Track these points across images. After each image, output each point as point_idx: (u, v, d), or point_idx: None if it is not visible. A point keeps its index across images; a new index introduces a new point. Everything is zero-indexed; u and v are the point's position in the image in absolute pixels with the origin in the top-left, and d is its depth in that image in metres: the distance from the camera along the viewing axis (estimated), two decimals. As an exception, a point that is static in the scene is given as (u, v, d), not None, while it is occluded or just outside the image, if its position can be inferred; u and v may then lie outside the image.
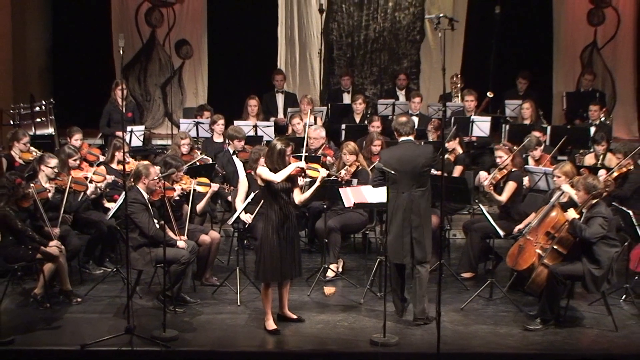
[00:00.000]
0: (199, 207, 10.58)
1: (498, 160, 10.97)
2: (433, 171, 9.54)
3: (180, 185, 10.26)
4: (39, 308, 9.62)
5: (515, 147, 11.10)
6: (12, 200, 9.56)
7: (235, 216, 10.20)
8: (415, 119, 13.81)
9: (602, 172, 11.16)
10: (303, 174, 9.11)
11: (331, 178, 10.22)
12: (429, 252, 9.12)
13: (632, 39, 17.21)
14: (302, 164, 9.02)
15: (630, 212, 9.88)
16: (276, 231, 8.92)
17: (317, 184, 9.28)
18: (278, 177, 8.81)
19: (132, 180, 9.82)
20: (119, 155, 11.29)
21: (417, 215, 9.05)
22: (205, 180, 10.65)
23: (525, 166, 11.59)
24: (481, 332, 9.19)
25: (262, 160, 9.36)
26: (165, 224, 9.67)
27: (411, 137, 9.27)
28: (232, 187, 11.06)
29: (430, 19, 8.95)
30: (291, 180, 9.00)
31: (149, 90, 17.56)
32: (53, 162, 10.41)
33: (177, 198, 10.25)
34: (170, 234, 9.75)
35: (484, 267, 10.89)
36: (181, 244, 9.70)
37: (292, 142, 9.19)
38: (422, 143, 10.39)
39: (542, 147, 12.19)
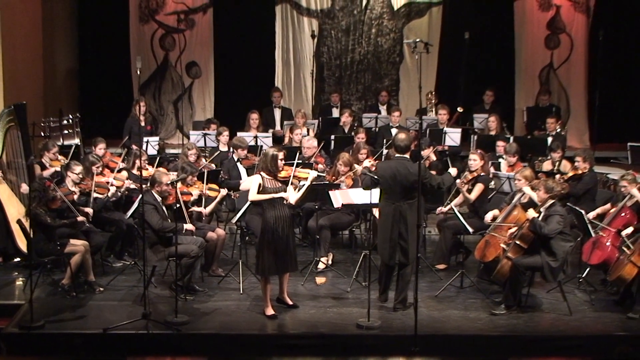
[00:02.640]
0: (208, 209, 10.55)
1: (471, 162, 10.94)
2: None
3: (194, 189, 10.27)
4: (66, 296, 9.60)
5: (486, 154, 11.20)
6: (42, 201, 9.56)
7: (238, 215, 10.17)
8: (395, 131, 13.81)
9: (557, 177, 11.17)
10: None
11: (320, 180, 10.27)
12: (412, 257, 9.07)
13: (583, 61, 17.24)
14: (290, 195, 9.09)
15: (583, 212, 9.90)
16: (273, 230, 8.91)
17: (308, 184, 9.33)
18: (252, 196, 8.96)
19: (148, 185, 9.84)
20: (138, 162, 11.27)
21: (405, 225, 9.02)
22: (215, 186, 10.66)
23: (493, 171, 11.58)
24: (453, 316, 9.19)
25: None
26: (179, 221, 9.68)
27: (406, 155, 9.20)
28: (237, 195, 11.01)
29: (408, 44, 9.02)
30: (282, 183, 9.04)
31: (163, 105, 17.51)
32: (78, 168, 10.40)
33: (192, 201, 10.27)
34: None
35: (456, 260, 10.89)
36: (188, 226, 9.76)
37: (285, 150, 9.21)
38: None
39: (519, 155, 12.07)
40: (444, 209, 10.76)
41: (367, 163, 11.31)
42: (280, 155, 9.11)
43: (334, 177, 11.12)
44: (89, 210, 10.22)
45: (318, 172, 10.60)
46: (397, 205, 9.03)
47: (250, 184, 9.40)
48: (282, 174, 9.17)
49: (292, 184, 9.29)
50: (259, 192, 8.93)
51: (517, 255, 9.25)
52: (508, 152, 11.99)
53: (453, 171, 9.80)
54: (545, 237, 9.06)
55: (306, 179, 9.51)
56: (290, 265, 9.18)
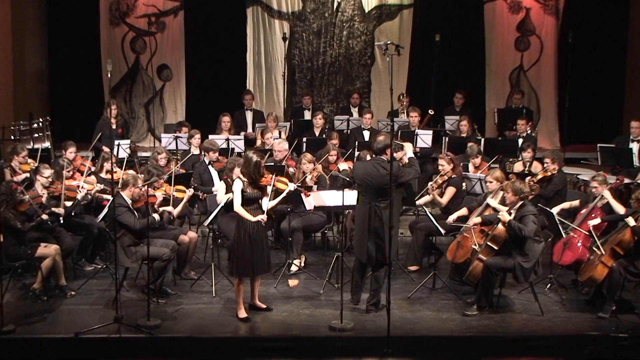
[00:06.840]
0: (177, 210, 10.47)
1: (440, 167, 11.02)
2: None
3: (160, 192, 10.20)
4: (37, 301, 9.52)
5: (455, 157, 11.21)
6: (10, 205, 9.46)
7: (210, 218, 10.14)
8: (367, 133, 13.87)
9: (527, 180, 11.24)
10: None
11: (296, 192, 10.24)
12: (387, 256, 9.01)
13: (553, 63, 17.34)
14: (263, 203, 9.14)
15: (554, 212, 9.95)
16: (247, 233, 8.89)
17: (284, 195, 9.35)
18: (237, 208, 8.90)
19: (119, 187, 9.79)
20: (107, 165, 11.20)
21: (380, 224, 9.01)
22: (182, 187, 10.59)
23: (464, 173, 11.63)
24: (426, 317, 9.21)
25: (237, 170, 9.38)
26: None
27: (383, 157, 9.17)
28: (205, 195, 10.95)
29: (380, 46, 8.96)
30: (261, 189, 9.00)
31: (134, 108, 17.42)
32: (47, 172, 10.31)
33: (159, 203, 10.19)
34: None
35: (428, 261, 10.90)
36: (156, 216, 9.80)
37: (263, 153, 9.16)
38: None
39: (481, 155, 12.22)
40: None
41: (344, 166, 11.35)
42: (263, 162, 9.09)
43: (303, 177, 11.07)
44: (60, 210, 10.12)
45: (289, 174, 10.57)
46: (372, 205, 9.05)
47: (224, 193, 9.40)
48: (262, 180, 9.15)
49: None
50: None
51: (488, 256, 9.29)
52: (470, 154, 12.09)
53: (408, 146, 9.79)
54: (523, 238, 9.09)
55: (284, 190, 9.56)
56: (263, 268, 9.17)
